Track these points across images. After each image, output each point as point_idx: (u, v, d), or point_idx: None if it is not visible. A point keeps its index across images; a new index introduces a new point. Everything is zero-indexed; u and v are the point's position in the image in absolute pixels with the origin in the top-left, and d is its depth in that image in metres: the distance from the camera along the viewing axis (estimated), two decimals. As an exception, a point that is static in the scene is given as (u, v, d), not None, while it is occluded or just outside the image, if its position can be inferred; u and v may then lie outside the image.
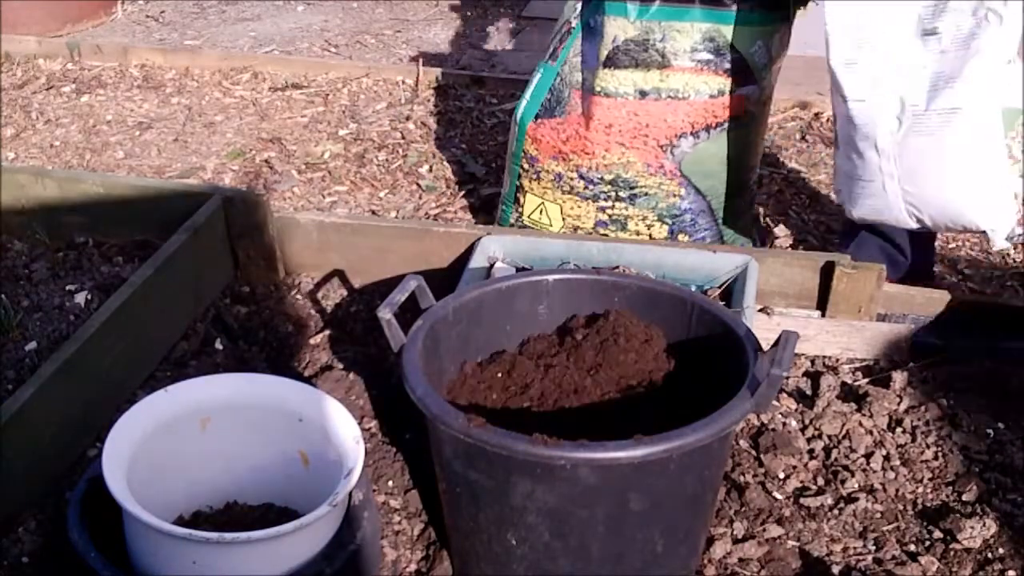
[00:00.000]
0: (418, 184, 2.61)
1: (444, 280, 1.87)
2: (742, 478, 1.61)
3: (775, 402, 1.73)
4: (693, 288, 1.80)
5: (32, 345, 1.80)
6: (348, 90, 3.15)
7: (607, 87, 1.96)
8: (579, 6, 2.01)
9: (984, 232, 1.51)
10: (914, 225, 1.58)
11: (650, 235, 2.05)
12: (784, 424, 1.72)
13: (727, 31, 1.90)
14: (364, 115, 2.99)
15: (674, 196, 2.02)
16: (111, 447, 1.30)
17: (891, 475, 1.62)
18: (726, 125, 1.98)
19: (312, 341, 1.93)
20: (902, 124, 1.49)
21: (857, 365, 1.86)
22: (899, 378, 1.77)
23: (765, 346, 1.33)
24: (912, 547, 1.48)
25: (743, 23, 1.89)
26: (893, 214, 1.57)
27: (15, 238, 2.11)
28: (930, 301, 1.88)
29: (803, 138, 2.85)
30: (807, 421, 1.72)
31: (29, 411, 1.48)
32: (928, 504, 1.56)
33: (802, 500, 1.57)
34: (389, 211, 2.49)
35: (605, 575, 1.30)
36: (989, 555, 1.46)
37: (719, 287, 1.82)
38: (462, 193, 2.56)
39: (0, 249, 2.08)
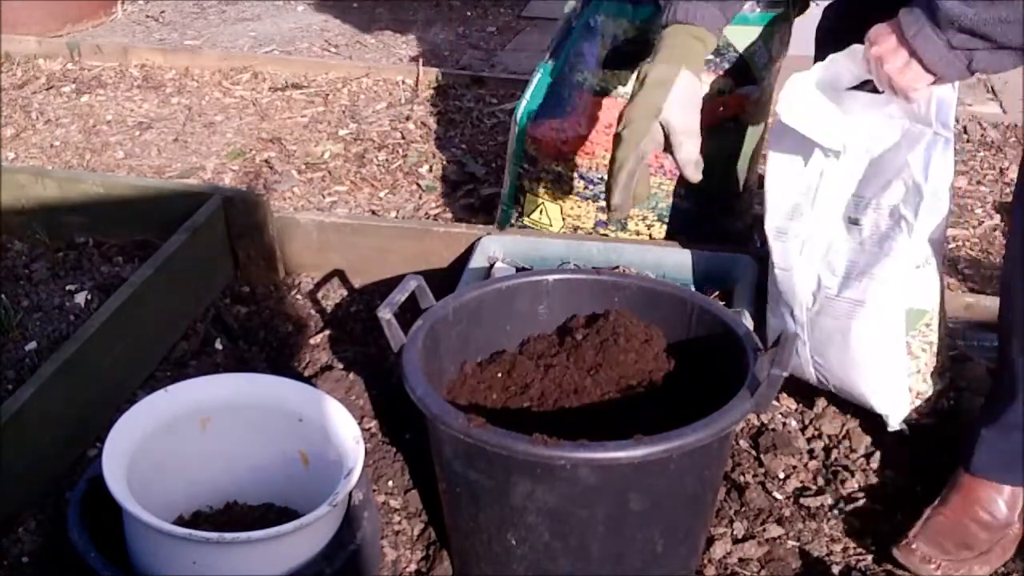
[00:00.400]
0: (418, 184, 2.61)
1: (444, 280, 1.87)
2: (742, 478, 1.61)
3: (775, 402, 1.73)
4: (693, 288, 1.80)
5: (32, 345, 1.80)
6: (348, 90, 3.15)
7: (607, 87, 1.96)
8: (579, 6, 2.00)
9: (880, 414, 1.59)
10: (824, 388, 1.66)
11: (650, 235, 2.04)
12: (784, 424, 1.72)
13: (727, 31, 1.90)
14: (364, 115, 2.99)
15: (674, 196, 2.02)
16: (111, 447, 1.30)
17: (891, 475, 1.62)
18: (726, 125, 1.98)
19: (312, 341, 1.93)
20: (816, 301, 1.55)
21: (857, 365, 1.86)
22: (899, 378, 1.77)
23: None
24: (912, 547, 1.48)
25: (742, 23, 1.89)
26: (806, 373, 1.65)
27: (15, 238, 2.11)
28: (930, 301, 1.88)
29: (803, 138, 2.85)
30: (807, 421, 1.72)
31: (29, 411, 1.48)
32: (928, 504, 1.56)
33: (802, 500, 1.57)
34: (389, 211, 2.49)
35: (605, 575, 1.30)
36: (989, 555, 1.46)
37: (719, 287, 1.82)
38: (462, 193, 2.56)
39: (0, 249, 2.08)
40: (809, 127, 1.46)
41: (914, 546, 1.41)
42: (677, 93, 1.41)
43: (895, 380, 1.55)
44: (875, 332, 1.50)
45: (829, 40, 1.85)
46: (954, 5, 1.19)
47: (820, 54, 1.90)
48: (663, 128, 1.43)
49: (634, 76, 1.46)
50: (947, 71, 1.26)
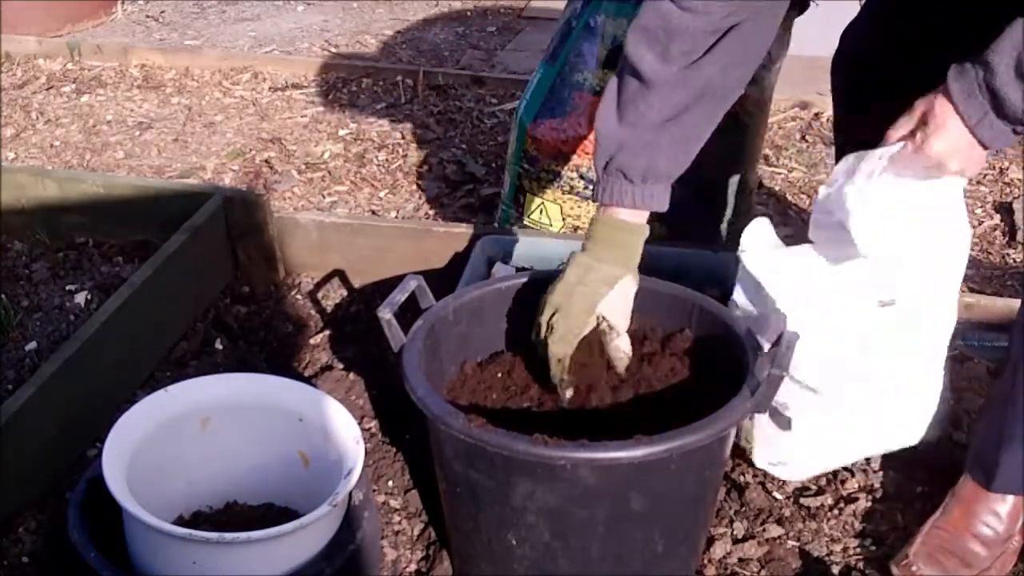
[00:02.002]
0: (418, 184, 2.61)
1: (444, 280, 1.87)
2: (742, 478, 1.61)
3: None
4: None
5: (32, 345, 1.80)
6: (348, 90, 3.15)
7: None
8: (579, 6, 2.00)
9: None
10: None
11: (650, 235, 2.04)
12: (784, 424, 1.72)
13: (727, 31, 1.90)
14: (364, 115, 2.99)
15: (674, 196, 2.01)
16: (111, 447, 1.30)
17: (891, 475, 1.62)
18: (725, 125, 1.97)
19: (312, 341, 1.93)
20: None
21: (857, 365, 1.86)
22: (899, 378, 1.77)
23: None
24: (912, 547, 1.48)
25: (743, 23, 1.89)
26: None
27: (15, 238, 2.11)
28: (930, 301, 1.88)
29: (803, 138, 2.85)
30: (807, 421, 1.72)
31: (29, 411, 1.48)
32: (928, 503, 1.56)
33: (802, 500, 1.57)
34: (389, 211, 2.49)
35: (605, 575, 1.30)
36: (989, 555, 1.46)
37: (719, 287, 1.82)
38: (462, 193, 2.56)
39: (0, 249, 2.08)
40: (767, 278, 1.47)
41: (914, 567, 1.41)
42: (619, 293, 1.38)
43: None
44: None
45: (855, 71, 1.85)
46: (1016, 93, 1.17)
47: (842, 80, 1.90)
48: (597, 322, 1.39)
49: (568, 259, 1.43)
50: (1001, 146, 1.25)
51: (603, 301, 1.36)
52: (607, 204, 1.41)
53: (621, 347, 1.38)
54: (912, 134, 1.29)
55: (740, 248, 1.51)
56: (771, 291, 1.45)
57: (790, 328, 1.30)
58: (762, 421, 1.51)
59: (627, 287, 1.40)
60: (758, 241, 1.51)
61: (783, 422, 1.50)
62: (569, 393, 1.37)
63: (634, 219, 1.41)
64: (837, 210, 1.37)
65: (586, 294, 1.36)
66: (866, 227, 1.35)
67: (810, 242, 1.49)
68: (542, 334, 1.36)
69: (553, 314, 1.35)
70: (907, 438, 1.56)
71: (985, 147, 1.24)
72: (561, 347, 1.35)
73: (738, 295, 1.52)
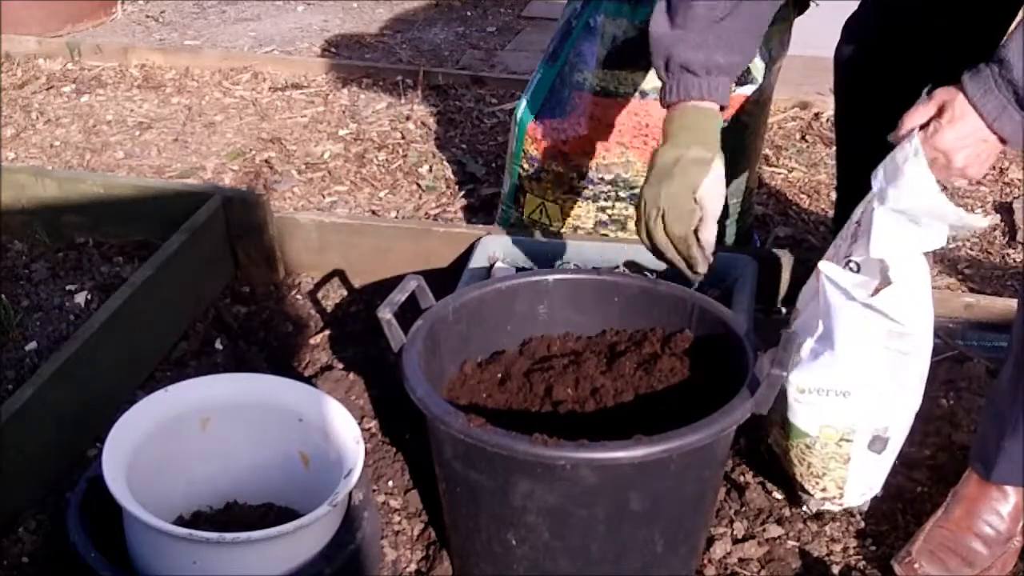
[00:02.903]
0: (418, 184, 2.61)
1: (444, 280, 1.87)
2: (742, 478, 1.61)
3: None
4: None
5: (32, 345, 1.80)
6: (348, 90, 3.15)
7: (607, 87, 1.96)
8: (579, 6, 2.00)
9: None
10: None
11: (650, 235, 2.04)
12: (784, 424, 1.71)
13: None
14: (364, 115, 2.99)
15: (674, 196, 2.02)
16: (111, 447, 1.30)
17: (891, 475, 1.61)
18: (726, 125, 1.98)
19: (312, 341, 1.93)
20: None
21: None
22: (899, 378, 1.77)
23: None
24: (912, 547, 1.48)
25: (743, 23, 1.89)
26: None
27: (15, 238, 2.11)
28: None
29: (803, 138, 2.85)
30: (807, 421, 1.72)
31: (29, 411, 1.48)
32: (928, 503, 1.56)
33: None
34: (389, 211, 2.49)
35: (605, 575, 1.30)
36: (989, 555, 1.46)
37: (719, 287, 1.82)
38: (462, 193, 2.56)
39: (0, 249, 2.08)
40: None
41: (916, 565, 1.41)
42: (713, 175, 1.40)
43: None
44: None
45: (857, 62, 1.84)
46: None
47: (845, 77, 1.90)
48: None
49: (651, 157, 1.44)
50: (1020, 142, 1.25)
51: (702, 183, 1.38)
52: (675, 101, 1.44)
53: (711, 231, 1.40)
54: (927, 124, 1.29)
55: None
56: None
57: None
58: (858, 458, 1.47)
59: (718, 168, 1.41)
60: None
61: (880, 445, 1.47)
62: (702, 269, 1.40)
63: (706, 105, 1.44)
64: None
65: (685, 178, 1.38)
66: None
67: None
68: (652, 223, 1.40)
69: (654, 205, 1.39)
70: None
71: (1004, 142, 1.24)
72: (679, 226, 1.38)
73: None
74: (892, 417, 1.45)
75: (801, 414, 1.45)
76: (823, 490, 1.51)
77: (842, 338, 1.39)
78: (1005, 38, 1.23)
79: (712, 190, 1.39)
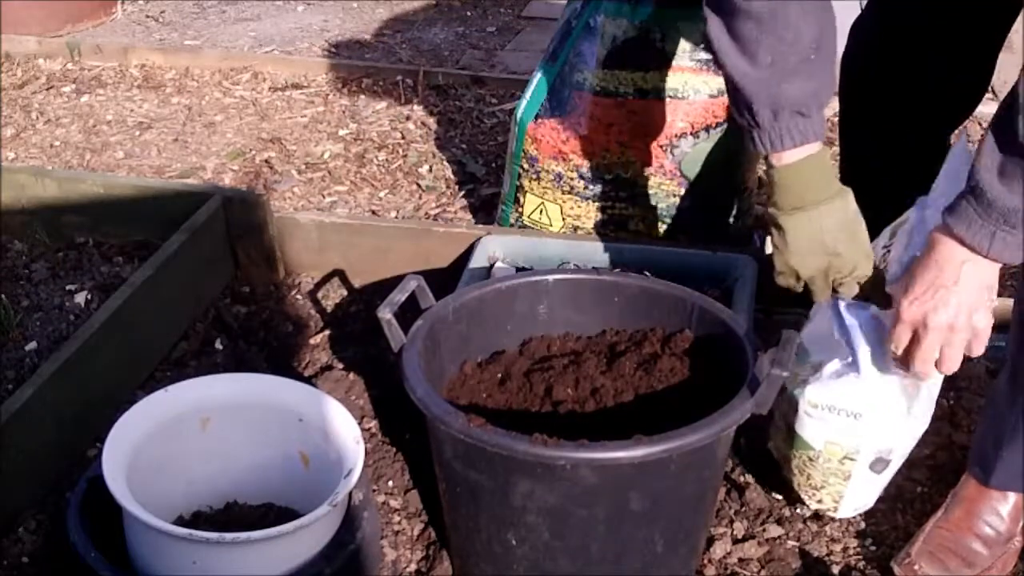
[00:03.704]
0: (418, 184, 2.61)
1: (444, 280, 1.87)
2: (742, 478, 1.61)
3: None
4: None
5: (32, 345, 1.80)
6: (348, 90, 3.15)
7: (607, 87, 1.96)
8: (579, 6, 2.00)
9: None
10: None
11: (650, 235, 2.04)
12: (784, 424, 1.71)
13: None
14: (364, 115, 2.99)
15: (674, 196, 2.02)
16: (111, 447, 1.30)
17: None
18: (726, 125, 1.98)
19: (312, 341, 1.93)
20: None
21: (857, 365, 1.86)
22: (899, 378, 1.77)
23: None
24: (912, 547, 1.48)
25: (743, 23, 1.89)
26: None
27: (15, 238, 2.11)
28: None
29: (803, 138, 2.84)
30: (807, 421, 1.72)
31: (29, 411, 1.48)
32: (928, 503, 1.56)
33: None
34: (389, 211, 2.49)
35: (605, 575, 1.30)
36: (989, 555, 1.46)
37: (719, 287, 1.82)
38: (462, 193, 2.56)
39: (0, 249, 2.08)
40: None
41: (916, 566, 1.41)
42: (855, 221, 1.38)
43: None
44: None
45: (861, 66, 1.84)
46: (1013, 199, 1.13)
47: (847, 78, 1.90)
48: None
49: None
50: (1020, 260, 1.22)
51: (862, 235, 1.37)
52: (783, 149, 1.34)
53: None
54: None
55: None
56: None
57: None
58: (857, 476, 1.47)
59: (852, 209, 1.38)
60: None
61: (881, 467, 1.47)
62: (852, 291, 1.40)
63: (816, 148, 1.36)
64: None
65: (848, 232, 1.35)
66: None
67: None
68: (829, 280, 1.38)
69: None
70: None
71: (1001, 261, 1.21)
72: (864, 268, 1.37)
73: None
74: (898, 441, 1.45)
75: (809, 428, 1.44)
76: (819, 501, 1.52)
77: (865, 361, 1.39)
78: (973, 162, 1.18)
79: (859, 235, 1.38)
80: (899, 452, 1.47)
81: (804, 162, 1.35)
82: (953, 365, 1.27)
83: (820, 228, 1.35)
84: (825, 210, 1.35)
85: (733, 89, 1.35)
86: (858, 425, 1.42)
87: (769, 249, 1.48)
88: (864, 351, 1.39)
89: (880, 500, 1.57)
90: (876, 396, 1.39)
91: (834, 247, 1.35)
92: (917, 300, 1.24)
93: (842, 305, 1.43)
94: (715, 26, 1.33)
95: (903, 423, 1.43)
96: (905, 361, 1.30)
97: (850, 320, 1.41)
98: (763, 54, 1.29)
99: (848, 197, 1.37)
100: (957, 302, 1.22)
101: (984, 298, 1.24)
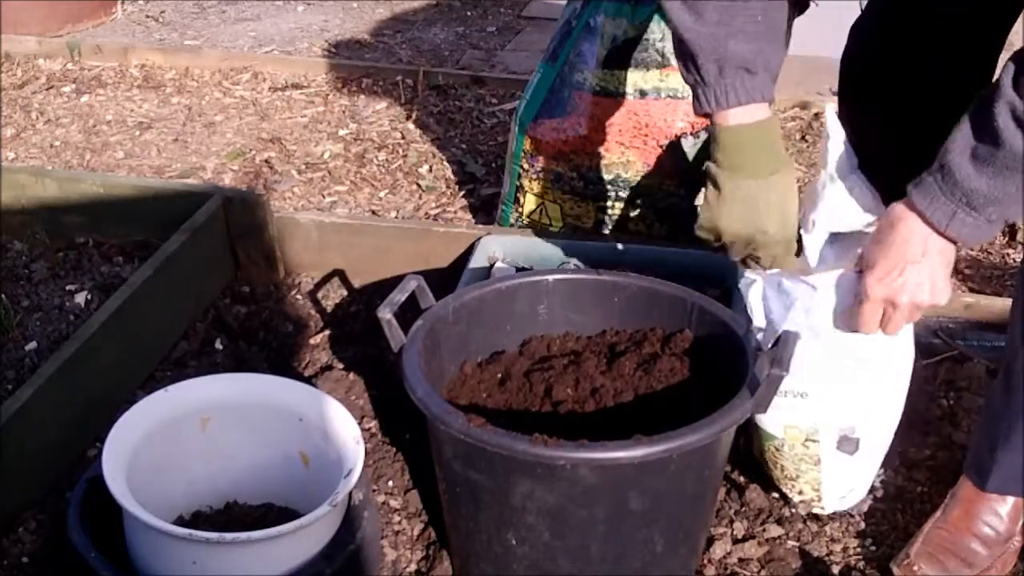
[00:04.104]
0: (418, 184, 2.61)
1: (444, 280, 1.87)
2: (742, 478, 1.61)
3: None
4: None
5: (32, 345, 1.80)
6: (348, 90, 3.15)
7: (607, 87, 1.96)
8: (579, 6, 2.01)
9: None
10: None
11: (650, 235, 2.05)
12: (784, 424, 1.71)
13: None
14: (364, 115, 2.99)
15: (674, 196, 2.02)
16: (111, 447, 1.30)
17: (891, 474, 1.62)
18: (726, 125, 1.98)
19: (312, 341, 1.93)
20: None
21: (857, 365, 1.86)
22: (899, 378, 1.77)
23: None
24: (912, 547, 1.48)
25: (743, 23, 1.89)
26: None
27: (15, 238, 2.11)
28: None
29: (803, 138, 2.85)
30: (807, 421, 1.72)
31: (29, 411, 1.48)
32: (928, 503, 1.56)
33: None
34: (389, 211, 2.49)
35: (605, 575, 1.30)
36: (989, 555, 1.46)
37: (719, 287, 1.82)
38: (462, 193, 2.56)
39: (0, 249, 2.08)
40: None
41: (916, 567, 1.41)
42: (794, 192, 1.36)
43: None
44: None
45: (858, 67, 1.84)
46: (979, 182, 1.16)
47: (847, 78, 1.90)
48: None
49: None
50: (978, 241, 1.25)
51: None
52: (728, 107, 1.31)
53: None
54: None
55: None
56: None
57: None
58: (829, 461, 1.48)
59: (792, 187, 1.36)
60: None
61: (851, 446, 1.47)
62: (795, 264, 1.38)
63: (764, 111, 1.33)
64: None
65: (782, 212, 1.34)
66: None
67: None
68: (747, 249, 1.37)
69: (747, 237, 1.34)
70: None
71: (955, 242, 1.23)
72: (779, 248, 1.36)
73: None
74: (859, 418, 1.45)
75: (765, 416, 1.44)
76: (800, 493, 1.52)
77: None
78: (946, 142, 1.20)
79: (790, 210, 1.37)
80: (868, 430, 1.46)
81: (752, 128, 1.32)
82: (899, 330, 1.31)
83: (755, 200, 1.33)
84: (764, 183, 1.32)
85: (679, 41, 1.33)
86: (808, 405, 1.42)
87: (699, 200, 1.46)
88: (793, 328, 1.38)
89: (880, 500, 1.57)
90: (816, 372, 1.40)
91: (764, 225, 1.33)
92: (886, 279, 1.26)
93: (760, 285, 1.42)
94: None
95: (857, 396, 1.43)
96: (850, 323, 1.32)
97: (774, 300, 1.41)
98: (710, 12, 1.28)
99: (790, 173, 1.35)
100: (925, 277, 1.25)
101: (947, 273, 1.27)
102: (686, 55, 1.33)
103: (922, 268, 1.25)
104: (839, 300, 1.36)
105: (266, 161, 2.72)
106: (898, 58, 1.79)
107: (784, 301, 1.40)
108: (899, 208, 1.25)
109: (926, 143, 1.91)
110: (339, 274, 2.10)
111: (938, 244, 1.23)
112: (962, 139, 1.18)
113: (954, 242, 1.24)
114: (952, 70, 1.78)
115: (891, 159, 1.93)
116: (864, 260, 1.30)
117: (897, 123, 1.87)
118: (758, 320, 1.42)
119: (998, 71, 1.19)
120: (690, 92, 1.96)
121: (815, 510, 1.54)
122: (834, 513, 1.55)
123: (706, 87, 1.32)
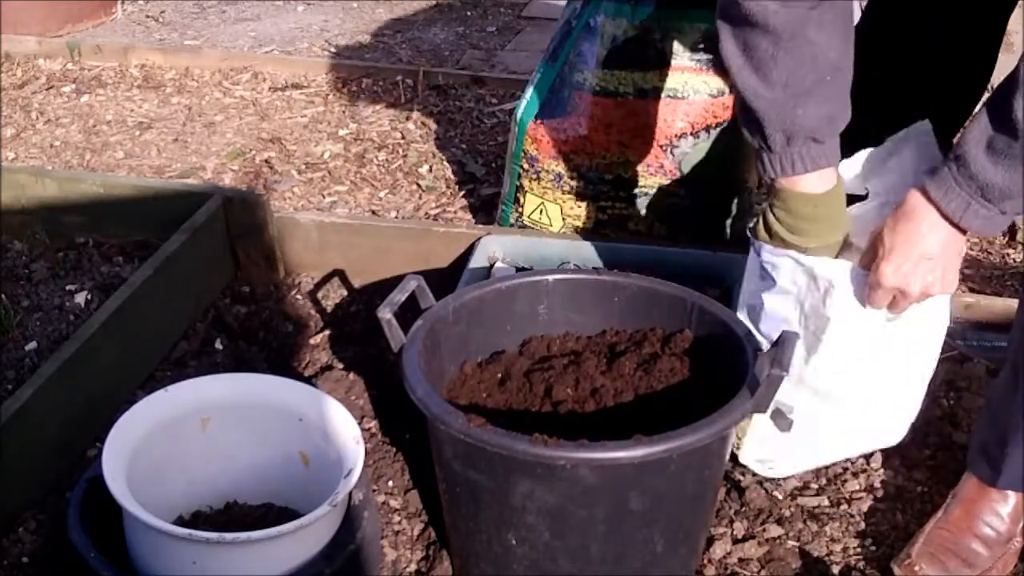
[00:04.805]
0: (418, 184, 2.61)
1: (444, 280, 1.87)
2: (742, 478, 1.61)
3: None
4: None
5: (32, 345, 1.80)
6: (348, 90, 3.15)
7: (607, 87, 1.96)
8: (579, 6, 2.00)
9: None
10: None
11: (650, 235, 2.05)
12: (784, 424, 1.71)
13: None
14: (364, 115, 2.99)
15: (674, 196, 2.02)
16: (111, 447, 1.30)
17: (891, 475, 1.62)
18: (726, 125, 1.98)
19: (312, 341, 1.93)
20: None
21: (857, 365, 1.86)
22: (899, 378, 1.77)
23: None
24: (912, 547, 1.48)
25: (743, 23, 1.89)
26: None
27: (15, 238, 2.11)
28: (930, 301, 1.88)
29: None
30: (807, 421, 1.72)
31: (29, 411, 1.48)
32: (928, 503, 1.56)
33: (802, 500, 1.57)
34: (389, 211, 2.49)
35: (605, 575, 1.30)
36: (989, 555, 1.46)
37: (719, 287, 1.82)
38: (462, 193, 2.56)
39: (0, 249, 2.08)
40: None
41: (916, 567, 1.41)
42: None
43: None
44: None
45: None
46: (995, 175, 1.16)
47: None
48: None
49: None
50: (990, 233, 1.26)
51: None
52: (794, 174, 1.32)
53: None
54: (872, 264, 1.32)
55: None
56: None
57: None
58: (758, 422, 1.51)
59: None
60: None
61: (784, 424, 1.50)
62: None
63: (830, 178, 1.34)
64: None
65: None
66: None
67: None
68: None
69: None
70: (891, 437, 1.56)
71: (964, 232, 1.24)
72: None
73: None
74: (805, 403, 1.46)
75: None
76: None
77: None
78: (962, 132, 1.20)
79: None
80: (805, 413, 1.48)
81: (820, 197, 1.33)
82: (903, 311, 1.36)
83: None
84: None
85: (744, 108, 1.31)
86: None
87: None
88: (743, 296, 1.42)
89: (880, 500, 1.57)
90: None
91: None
92: (900, 268, 1.27)
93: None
94: (727, 39, 1.28)
95: (808, 382, 1.44)
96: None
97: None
98: (777, 73, 1.24)
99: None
100: (938, 268, 1.27)
101: (958, 264, 1.29)
102: (751, 122, 1.31)
103: (936, 262, 1.26)
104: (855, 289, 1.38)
105: (266, 161, 2.72)
106: (897, 21, 1.79)
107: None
108: (915, 197, 1.25)
109: (924, 106, 1.92)
110: (339, 274, 2.10)
111: (953, 236, 1.24)
112: (979, 130, 1.17)
113: (965, 232, 1.25)
114: (951, 33, 1.77)
115: (890, 122, 1.93)
116: (880, 246, 1.30)
117: (895, 85, 1.87)
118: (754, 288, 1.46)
119: (1001, 58, 1.20)
120: (692, 92, 1.98)
121: (762, 471, 1.57)
122: (834, 513, 1.55)
123: (772, 154, 1.32)
